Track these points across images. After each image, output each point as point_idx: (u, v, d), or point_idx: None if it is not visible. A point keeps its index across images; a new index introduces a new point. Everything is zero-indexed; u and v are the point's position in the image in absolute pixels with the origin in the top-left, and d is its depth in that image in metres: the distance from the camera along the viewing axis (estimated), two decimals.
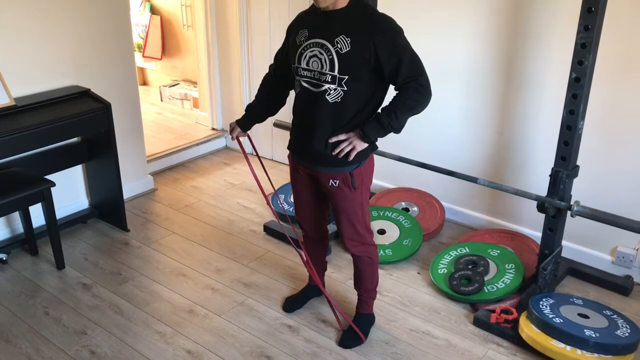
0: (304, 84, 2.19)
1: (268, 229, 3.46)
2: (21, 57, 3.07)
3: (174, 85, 5.59)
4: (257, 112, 2.50)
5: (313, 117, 2.19)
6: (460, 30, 3.23)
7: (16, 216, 3.23)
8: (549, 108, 3.02)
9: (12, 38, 3.01)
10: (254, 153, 2.63)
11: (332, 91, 2.12)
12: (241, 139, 2.56)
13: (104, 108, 3.20)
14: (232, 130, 2.53)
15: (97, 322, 2.69)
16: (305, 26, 2.19)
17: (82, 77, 3.35)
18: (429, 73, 2.13)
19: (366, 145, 2.18)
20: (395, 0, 3.26)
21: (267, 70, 2.48)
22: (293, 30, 2.25)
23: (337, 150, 2.18)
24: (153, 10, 5.52)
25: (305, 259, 2.64)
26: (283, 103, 2.47)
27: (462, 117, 3.38)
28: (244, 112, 2.53)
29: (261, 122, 2.53)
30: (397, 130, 2.16)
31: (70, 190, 3.49)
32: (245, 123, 2.51)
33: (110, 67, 3.50)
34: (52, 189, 2.95)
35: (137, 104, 3.75)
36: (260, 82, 2.50)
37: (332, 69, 2.09)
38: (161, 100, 5.63)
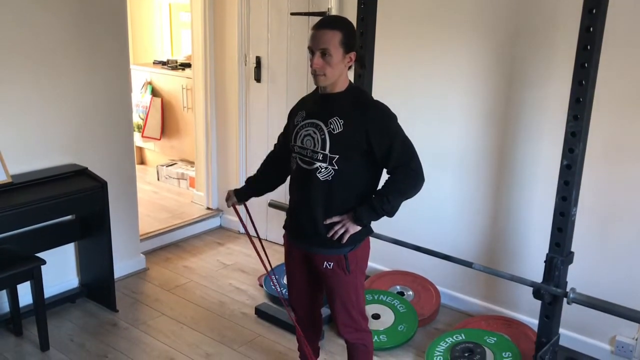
0: (298, 162, 2.23)
1: (260, 312, 3.39)
2: (21, 135, 3.12)
3: (171, 165, 5.65)
4: (256, 185, 2.52)
5: (305, 195, 2.22)
6: (453, 118, 3.32)
7: (2, 294, 3.16)
8: (541, 193, 3.05)
9: (13, 116, 3.08)
10: (253, 229, 2.62)
11: (323, 169, 2.15)
12: (237, 207, 2.56)
13: (100, 187, 3.22)
14: (228, 198, 2.54)
15: None
16: (304, 108, 2.26)
17: (81, 156, 3.40)
18: (422, 158, 2.16)
19: (359, 228, 2.19)
20: (389, 88, 3.37)
21: (264, 152, 2.53)
22: (293, 112, 2.33)
23: (331, 233, 2.18)
24: (154, 93, 5.67)
25: (300, 343, 2.57)
26: (282, 181, 2.50)
27: (456, 201, 3.41)
28: (243, 184, 2.55)
29: (258, 196, 2.55)
30: (390, 214, 2.17)
31: (60, 268, 3.44)
32: (243, 194, 2.53)
33: (109, 146, 3.55)
34: (42, 267, 2.91)
35: (133, 183, 3.77)
36: (257, 163, 2.54)
37: (323, 147, 2.13)
38: (158, 179, 5.67)
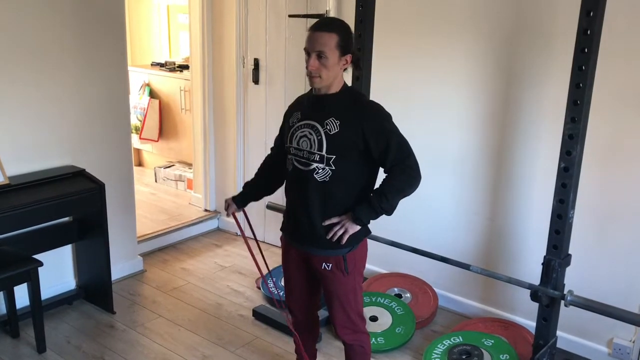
0: (295, 163, 2.23)
1: (257, 314, 3.38)
2: (19, 136, 3.12)
3: (169, 167, 5.64)
4: (254, 190, 2.52)
5: (302, 196, 2.21)
6: (451, 119, 3.33)
7: None
8: (539, 196, 3.05)
9: (11, 117, 3.07)
10: (251, 232, 2.62)
11: (320, 170, 2.15)
12: (237, 214, 2.56)
13: (98, 188, 3.21)
14: (227, 207, 2.54)
15: None
16: (299, 109, 2.27)
17: (79, 157, 3.39)
18: (420, 160, 2.17)
19: (358, 227, 2.19)
20: (387, 90, 3.37)
21: (262, 154, 2.53)
22: (289, 113, 2.33)
23: (330, 234, 2.18)
24: (152, 94, 5.67)
25: (297, 345, 2.56)
26: (280, 184, 2.49)
27: (454, 203, 3.41)
28: (240, 190, 2.55)
29: (256, 200, 2.54)
30: (389, 212, 2.17)
31: (57, 270, 3.43)
32: (241, 200, 2.53)
33: (107, 148, 3.55)
34: (39, 268, 2.90)
35: (131, 185, 3.77)
36: (255, 164, 2.53)
37: (320, 148, 2.14)
38: (155, 181, 5.66)
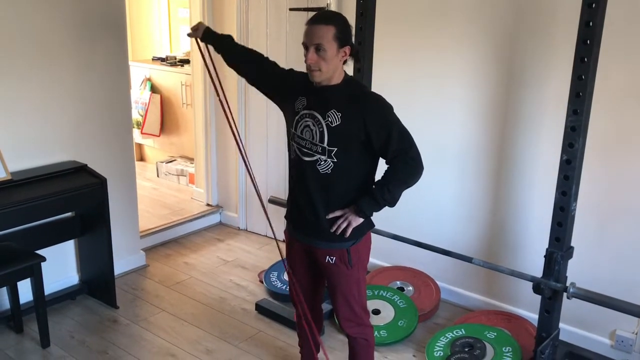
0: (297, 151, 2.23)
1: (260, 308, 3.39)
2: (21, 132, 3.12)
3: (170, 162, 5.64)
4: (224, 42, 2.46)
5: (305, 189, 2.22)
6: (453, 112, 3.32)
7: (2, 291, 3.16)
8: (541, 188, 3.05)
9: (13, 113, 3.07)
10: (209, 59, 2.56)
11: (323, 162, 2.15)
12: (198, 40, 2.52)
13: (100, 183, 3.21)
14: (196, 29, 2.49)
15: None
16: (305, 94, 2.22)
17: (80, 153, 3.39)
18: (422, 153, 2.16)
19: (361, 220, 2.19)
20: (389, 83, 3.36)
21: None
22: (295, 87, 2.27)
23: (334, 227, 2.18)
24: (153, 89, 5.66)
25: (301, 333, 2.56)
26: (236, 63, 2.46)
27: (456, 196, 3.41)
28: (220, 35, 2.49)
29: (214, 46, 2.48)
30: (392, 204, 2.17)
31: (60, 265, 3.44)
32: (209, 37, 2.48)
33: (108, 143, 3.55)
34: (42, 264, 2.91)
35: (133, 180, 3.77)
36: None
37: (321, 140, 2.13)
38: (157, 176, 5.67)
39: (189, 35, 2.56)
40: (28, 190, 2.98)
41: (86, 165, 3.32)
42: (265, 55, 2.46)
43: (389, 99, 2.19)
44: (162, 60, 5.64)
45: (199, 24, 2.54)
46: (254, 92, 4.26)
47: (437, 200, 3.46)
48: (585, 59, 2.35)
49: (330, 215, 2.19)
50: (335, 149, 2.13)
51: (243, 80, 4.28)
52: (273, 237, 2.62)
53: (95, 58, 3.39)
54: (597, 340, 3.02)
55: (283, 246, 2.51)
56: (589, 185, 2.81)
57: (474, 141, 3.28)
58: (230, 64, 2.48)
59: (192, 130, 4.91)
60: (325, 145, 2.13)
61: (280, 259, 2.57)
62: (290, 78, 2.34)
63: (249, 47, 2.54)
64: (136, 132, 5.55)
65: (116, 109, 3.56)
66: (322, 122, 2.13)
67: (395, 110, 2.17)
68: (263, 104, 4.25)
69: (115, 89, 3.52)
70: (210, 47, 2.52)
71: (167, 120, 5.67)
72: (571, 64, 2.40)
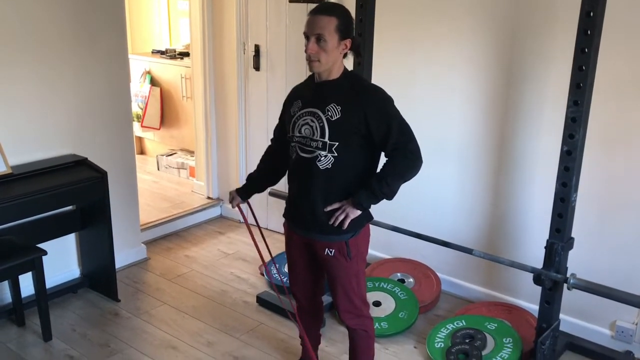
0: (298, 151, 2.22)
1: (261, 300, 3.40)
2: (21, 126, 3.12)
3: (171, 155, 5.64)
4: (257, 182, 2.52)
5: (305, 184, 2.22)
6: (453, 105, 3.31)
7: (4, 285, 3.17)
8: (542, 179, 3.05)
9: (13, 107, 3.07)
10: (255, 222, 2.62)
11: (323, 157, 2.15)
12: (241, 206, 2.56)
13: (100, 177, 3.21)
14: (232, 199, 2.54)
15: None
16: (299, 98, 2.25)
17: (81, 146, 3.39)
18: (422, 146, 2.16)
19: (359, 212, 2.19)
20: (389, 76, 3.35)
21: (264, 140, 2.52)
22: (288, 103, 2.32)
23: (332, 220, 2.18)
24: (153, 82, 5.65)
25: (300, 331, 2.57)
26: (283, 174, 2.49)
27: (457, 188, 3.41)
28: (245, 182, 2.55)
29: (260, 192, 2.55)
30: (389, 196, 2.17)
31: (61, 259, 3.45)
32: (245, 192, 2.53)
33: (109, 136, 3.55)
34: (43, 257, 2.92)
35: (133, 173, 3.77)
36: (256, 151, 2.53)
37: (322, 135, 2.13)
38: (158, 169, 5.67)
39: (234, 207, 2.55)
40: (29, 184, 2.98)
41: (86, 158, 3.32)
42: (272, 140, 2.50)
43: (389, 91, 2.18)
44: (162, 53, 5.63)
45: (229, 193, 2.56)
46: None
47: (437, 192, 3.46)
48: (586, 50, 2.34)
49: (328, 208, 2.19)
50: (337, 143, 2.12)
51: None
52: (260, 233, 2.62)
53: (95, 51, 3.38)
54: (597, 330, 3.03)
55: (277, 240, 2.50)
56: (590, 176, 2.81)
57: (475, 133, 3.27)
58: (281, 174, 2.48)
59: (192, 123, 4.91)
60: (326, 139, 2.13)
61: (269, 254, 2.57)
62: (287, 104, 2.34)
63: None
64: (136, 126, 5.54)
65: (116, 102, 3.55)
66: (322, 117, 2.13)
67: (396, 103, 2.17)
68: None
69: (115, 82, 3.52)
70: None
71: (167, 113, 5.66)
72: (571, 55, 2.39)
